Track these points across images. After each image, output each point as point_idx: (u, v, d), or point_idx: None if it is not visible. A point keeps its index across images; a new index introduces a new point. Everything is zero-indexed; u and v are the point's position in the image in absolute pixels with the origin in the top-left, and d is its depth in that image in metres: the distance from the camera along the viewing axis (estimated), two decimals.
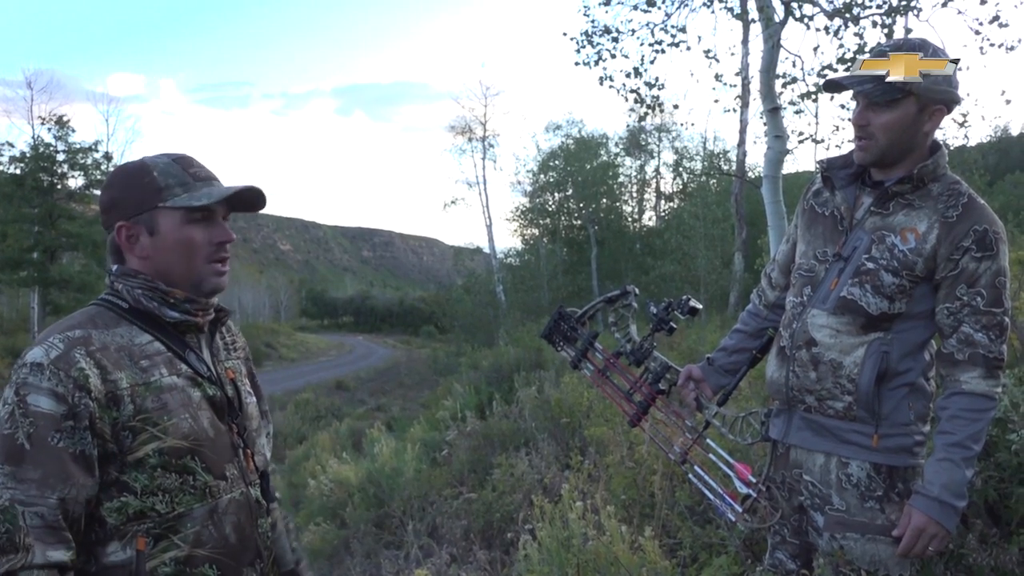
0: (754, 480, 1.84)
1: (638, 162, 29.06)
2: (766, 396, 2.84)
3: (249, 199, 1.38)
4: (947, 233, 1.72)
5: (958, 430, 1.70)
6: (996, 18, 7.26)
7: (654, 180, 29.46)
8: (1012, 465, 2.36)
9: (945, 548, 1.78)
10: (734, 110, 11.01)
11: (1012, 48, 7.51)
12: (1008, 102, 12.54)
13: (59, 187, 28.08)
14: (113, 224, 1.32)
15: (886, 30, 7.21)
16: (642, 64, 8.33)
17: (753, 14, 7.95)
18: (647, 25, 8.23)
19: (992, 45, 7.38)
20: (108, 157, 28.89)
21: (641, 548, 2.69)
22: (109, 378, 1.21)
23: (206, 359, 1.38)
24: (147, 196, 1.30)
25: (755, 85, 8.89)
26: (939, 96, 1.71)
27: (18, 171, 27.74)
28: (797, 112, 8.52)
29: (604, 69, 8.40)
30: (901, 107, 1.71)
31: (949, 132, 10.72)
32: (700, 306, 1.98)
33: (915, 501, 1.71)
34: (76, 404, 1.17)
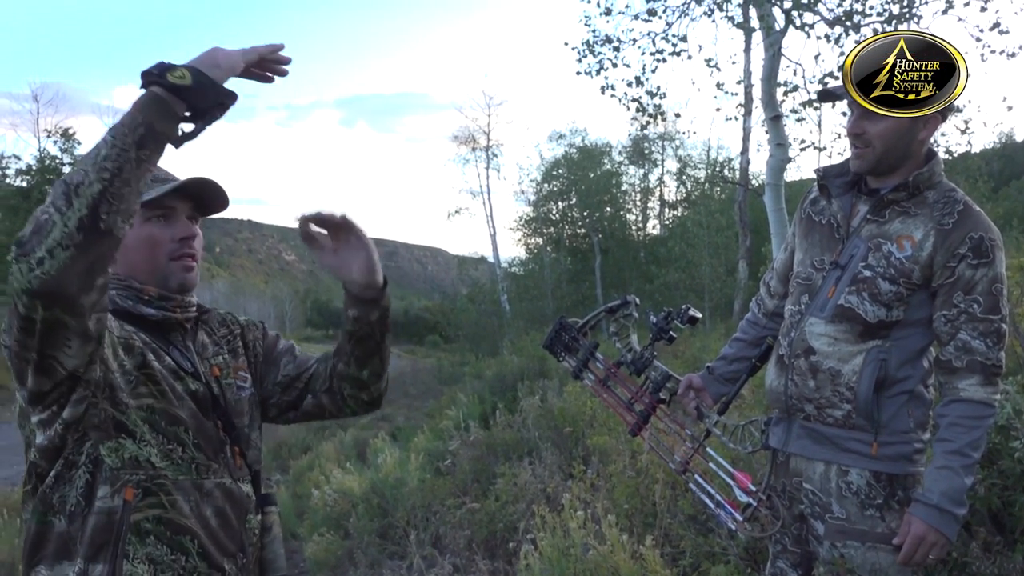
0: (754, 489, 1.83)
1: (641, 171, 29.15)
2: (768, 404, 2.83)
3: (211, 198, 1.40)
4: (943, 240, 1.72)
5: (957, 437, 1.69)
6: (996, 25, 7.28)
7: (658, 188, 29.55)
8: (1015, 473, 2.36)
9: (946, 556, 1.77)
10: (736, 118, 11.01)
11: (1013, 55, 7.53)
12: (1010, 108, 12.57)
13: None
14: None
15: None
16: (643, 73, 8.37)
17: (754, 23, 7.98)
18: (648, 35, 8.28)
19: (993, 52, 7.40)
20: None
21: (642, 557, 2.68)
22: (125, 327, 1.28)
23: (191, 357, 1.39)
24: None
25: (757, 93, 8.92)
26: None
27: (25, 184, 28.01)
28: (799, 120, 8.55)
29: (606, 78, 8.45)
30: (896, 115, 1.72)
31: (952, 139, 10.72)
32: (699, 315, 1.98)
33: (915, 509, 1.70)
34: None
